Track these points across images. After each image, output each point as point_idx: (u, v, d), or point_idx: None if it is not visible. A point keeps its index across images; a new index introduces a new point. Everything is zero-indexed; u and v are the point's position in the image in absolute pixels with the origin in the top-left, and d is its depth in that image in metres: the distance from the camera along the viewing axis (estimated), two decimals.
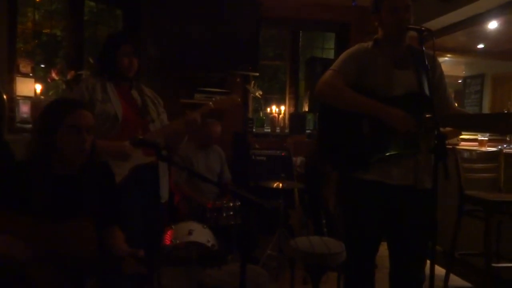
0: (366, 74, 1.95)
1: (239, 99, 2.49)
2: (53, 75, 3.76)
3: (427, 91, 1.82)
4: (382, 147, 1.89)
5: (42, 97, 3.68)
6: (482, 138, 4.01)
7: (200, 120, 2.27)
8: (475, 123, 1.98)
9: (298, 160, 4.60)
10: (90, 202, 1.56)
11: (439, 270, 3.08)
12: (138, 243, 1.61)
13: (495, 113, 1.97)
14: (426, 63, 1.78)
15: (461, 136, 4.22)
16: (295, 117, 5.00)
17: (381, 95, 1.89)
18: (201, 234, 2.62)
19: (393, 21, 1.90)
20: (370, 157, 1.91)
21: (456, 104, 2.26)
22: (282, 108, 5.09)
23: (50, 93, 3.81)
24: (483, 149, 3.73)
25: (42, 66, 4.32)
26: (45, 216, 1.45)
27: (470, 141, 4.32)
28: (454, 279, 3.23)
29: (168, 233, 2.65)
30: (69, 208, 1.52)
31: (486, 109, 6.31)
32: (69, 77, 3.78)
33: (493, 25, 4.27)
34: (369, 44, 2.04)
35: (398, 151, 1.87)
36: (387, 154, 1.88)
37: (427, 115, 1.78)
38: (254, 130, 4.83)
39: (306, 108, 4.51)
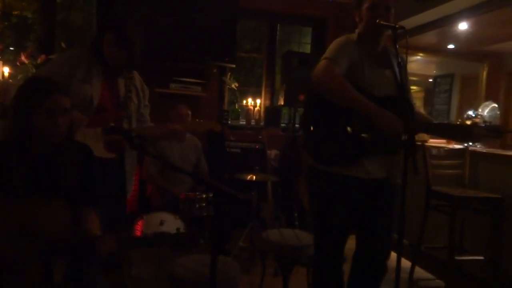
0: (353, 69, 1.92)
1: (220, 128, 2.49)
2: (23, 58, 3.62)
3: (405, 93, 1.84)
4: (364, 147, 1.91)
5: (10, 80, 3.55)
6: None
7: (183, 133, 2.28)
8: (443, 133, 2.14)
9: (273, 153, 4.62)
10: (66, 181, 1.56)
11: (405, 263, 3.18)
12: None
13: (460, 125, 2.14)
14: (399, 60, 1.82)
15: None
16: (271, 110, 5.02)
17: (364, 93, 1.86)
18: (173, 225, 2.60)
19: (370, 17, 1.91)
20: (352, 155, 1.93)
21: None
22: (258, 101, 5.09)
23: (19, 77, 3.65)
24: (450, 146, 3.86)
25: (11, 49, 4.15)
26: (20, 195, 1.46)
27: (438, 138, 4.46)
28: (419, 271, 3.34)
29: (139, 223, 2.63)
30: (44, 187, 1.52)
31: (454, 108, 6.51)
32: (39, 61, 3.65)
33: (463, 26, 4.39)
34: (355, 37, 2.01)
35: (378, 152, 1.92)
36: (368, 154, 1.91)
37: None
38: (229, 122, 4.82)
39: (281, 102, 4.53)
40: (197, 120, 2.50)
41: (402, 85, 1.84)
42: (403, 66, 1.85)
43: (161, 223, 2.57)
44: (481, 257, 3.02)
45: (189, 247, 1.51)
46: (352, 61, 1.92)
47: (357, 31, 2.03)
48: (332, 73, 1.86)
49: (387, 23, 1.85)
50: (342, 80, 1.84)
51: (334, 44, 1.96)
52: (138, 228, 2.59)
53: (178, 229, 2.53)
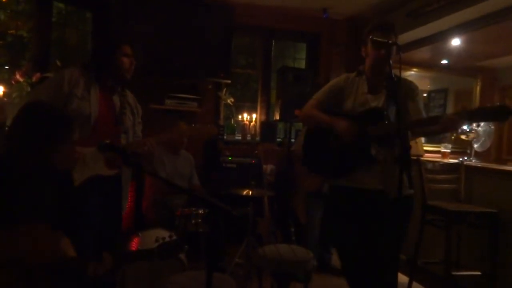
0: (345, 100, 2.19)
1: (216, 131, 2.58)
2: (18, 76, 3.62)
3: (391, 109, 2.02)
4: (344, 159, 2.12)
5: (5, 99, 3.54)
6: (445, 150, 4.16)
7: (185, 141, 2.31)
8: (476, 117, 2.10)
9: (268, 168, 4.61)
10: (46, 204, 1.54)
11: (402, 278, 3.16)
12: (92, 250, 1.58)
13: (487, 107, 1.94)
14: (393, 76, 1.89)
15: (425, 148, 4.37)
16: (266, 125, 5.03)
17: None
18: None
19: (375, 55, 2.06)
20: (339, 167, 2.14)
21: None
22: (254, 116, 5.11)
23: (14, 95, 3.65)
24: (446, 160, 3.86)
25: (6, 67, 4.16)
26: (13, 221, 1.42)
27: (433, 152, 4.48)
28: (417, 287, 3.31)
29: (134, 240, 2.60)
30: (27, 212, 1.49)
31: None
32: (34, 79, 3.65)
33: (455, 42, 4.45)
34: (353, 74, 2.23)
35: (356, 162, 2.08)
36: (350, 165, 2.09)
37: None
38: (225, 137, 4.83)
39: (277, 117, 4.55)
40: (193, 125, 2.52)
41: (395, 99, 1.91)
42: (397, 81, 1.91)
43: (157, 240, 2.54)
44: (478, 272, 3.00)
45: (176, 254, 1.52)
46: (343, 94, 2.20)
47: (361, 67, 2.21)
48: (305, 109, 2.28)
49: (382, 40, 1.92)
50: (310, 111, 2.25)
51: (327, 85, 2.31)
52: (134, 246, 2.56)
53: (163, 238, 2.52)
